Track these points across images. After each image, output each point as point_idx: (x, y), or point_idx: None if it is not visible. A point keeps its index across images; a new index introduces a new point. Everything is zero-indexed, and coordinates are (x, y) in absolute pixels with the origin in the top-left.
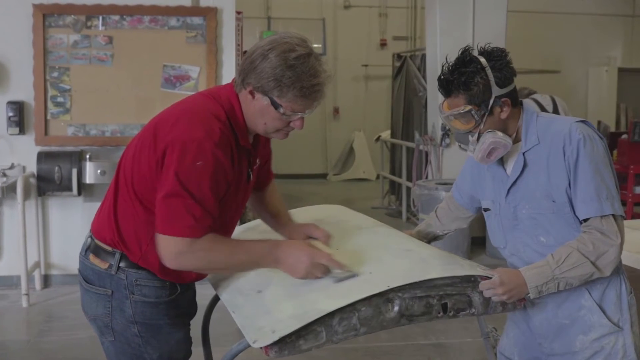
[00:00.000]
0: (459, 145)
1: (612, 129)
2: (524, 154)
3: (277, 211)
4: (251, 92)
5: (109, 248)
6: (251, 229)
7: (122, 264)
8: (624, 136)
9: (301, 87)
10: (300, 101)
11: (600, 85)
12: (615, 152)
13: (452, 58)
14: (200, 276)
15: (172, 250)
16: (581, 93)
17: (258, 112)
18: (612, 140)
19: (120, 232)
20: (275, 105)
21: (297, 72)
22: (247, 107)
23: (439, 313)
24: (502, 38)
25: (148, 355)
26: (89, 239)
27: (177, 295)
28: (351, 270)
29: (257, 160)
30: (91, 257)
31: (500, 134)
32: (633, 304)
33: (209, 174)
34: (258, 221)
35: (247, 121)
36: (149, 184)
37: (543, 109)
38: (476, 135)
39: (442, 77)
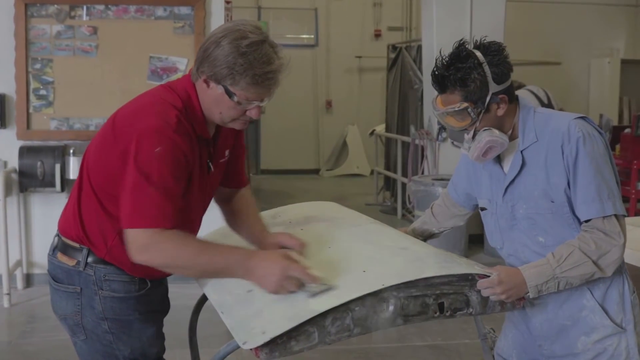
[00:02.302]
0: (452, 143)
1: (615, 122)
2: (522, 152)
3: (250, 220)
4: (205, 81)
5: (75, 244)
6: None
7: (89, 260)
8: (627, 130)
9: (253, 75)
10: (253, 89)
11: (603, 78)
12: (617, 146)
13: (448, 50)
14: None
15: (136, 243)
16: (583, 85)
17: (213, 101)
18: (615, 134)
19: (85, 228)
20: (229, 94)
21: (249, 60)
22: (203, 97)
23: (436, 313)
24: (500, 28)
25: (120, 351)
26: (56, 238)
27: (147, 290)
28: (326, 284)
29: (226, 153)
30: (59, 255)
31: (497, 132)
32: (636, 304)
33: (169, 159)
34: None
35: (204, 111)
36: (110, 179)
37: (539, 100)
38: (471, 133)
39: (436, 72)
